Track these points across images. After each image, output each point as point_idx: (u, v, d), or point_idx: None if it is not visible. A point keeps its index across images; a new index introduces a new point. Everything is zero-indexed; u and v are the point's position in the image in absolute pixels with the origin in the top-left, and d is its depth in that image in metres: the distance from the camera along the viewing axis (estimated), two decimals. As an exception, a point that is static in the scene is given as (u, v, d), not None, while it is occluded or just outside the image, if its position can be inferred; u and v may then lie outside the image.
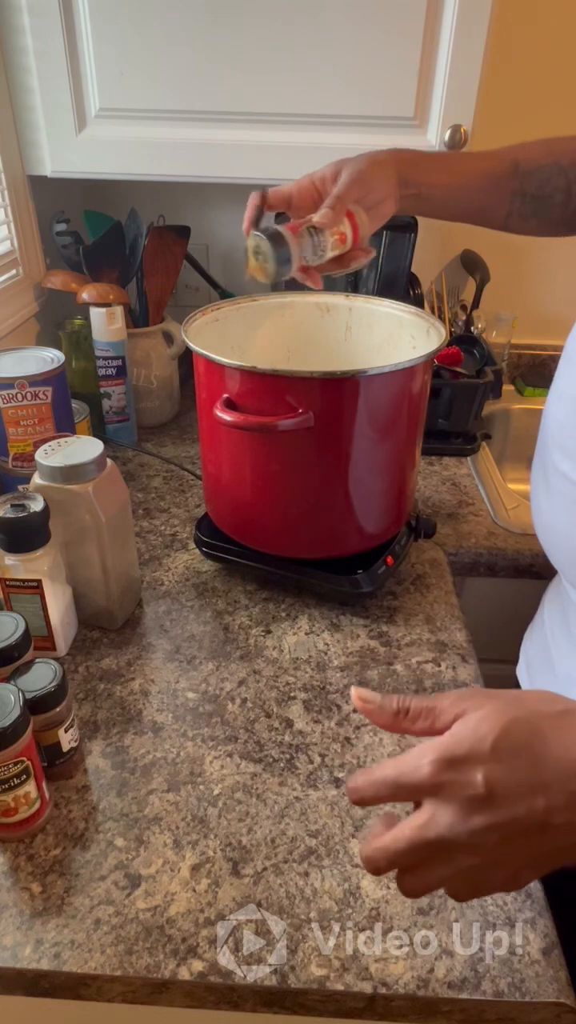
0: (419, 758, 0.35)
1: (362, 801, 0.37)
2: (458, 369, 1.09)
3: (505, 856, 0.35)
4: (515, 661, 0.79)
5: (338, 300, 0.84)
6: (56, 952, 0.47)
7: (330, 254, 0.65)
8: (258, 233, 0.63)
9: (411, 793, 0.36)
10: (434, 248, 1.27)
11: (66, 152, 1.00)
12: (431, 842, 0.35)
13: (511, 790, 0.34)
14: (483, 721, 0.35)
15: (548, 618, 0.73)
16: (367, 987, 0.45)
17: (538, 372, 1.36)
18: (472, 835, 0.34)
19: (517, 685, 0.77)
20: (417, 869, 0.36)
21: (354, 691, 0.39)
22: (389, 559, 0.77)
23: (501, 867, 0.36)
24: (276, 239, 0.62)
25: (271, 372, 0.65)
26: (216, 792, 0.57)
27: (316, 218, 0.63)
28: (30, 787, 0.52)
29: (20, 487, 0.71)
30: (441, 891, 0.38)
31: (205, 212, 1.27)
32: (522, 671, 0.77)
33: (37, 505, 0.64)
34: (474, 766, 0.34)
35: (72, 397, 0.89)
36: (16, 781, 0.51)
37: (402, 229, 1.08)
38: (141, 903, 0.49)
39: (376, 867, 0.37)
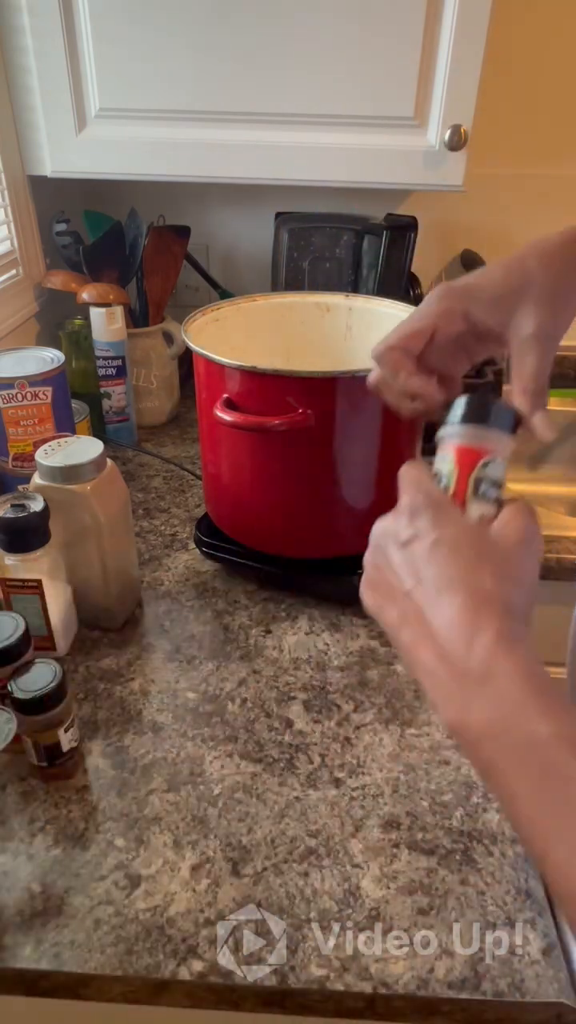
0: (414, 494, 0.42)
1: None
2: (458, 369, 1.09)
3: (370, 577, 0.43)
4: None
5: (338, 300, 0.84)
6: (56, 952, 0.47)
7: None
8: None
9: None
10: (434, 248, 1.27)
11: (66, 152, 1.00)
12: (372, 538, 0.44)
13: (408, 561, 0.40)
14: (454, 523, 0.41)
15: None
16: (367, 987, 0.45)
17: (538, 372, 1.36)
18: (373, 548, 0.43)
19: None
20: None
21: None
22: (389, 559, 0.77)
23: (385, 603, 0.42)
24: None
25: (271, 372, 0.65)
26: (216, 792, 0.57)
27: (535, 425, 0.46)
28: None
29: (20, 487, 0.71)
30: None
31: (205, 212, 1.27)
32: None
33: (37, 505, 0.64)
34: (416, 526, 0.40)
35: (72, 397, 0.89)
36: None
37: (402, 229, 1.08)
38: (141, 903, 0.49)
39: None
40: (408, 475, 0.44)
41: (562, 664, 0.57)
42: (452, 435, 0.43)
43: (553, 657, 0.74)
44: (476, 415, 0.43)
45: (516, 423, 0.44)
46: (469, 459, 0.42)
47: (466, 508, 0.42)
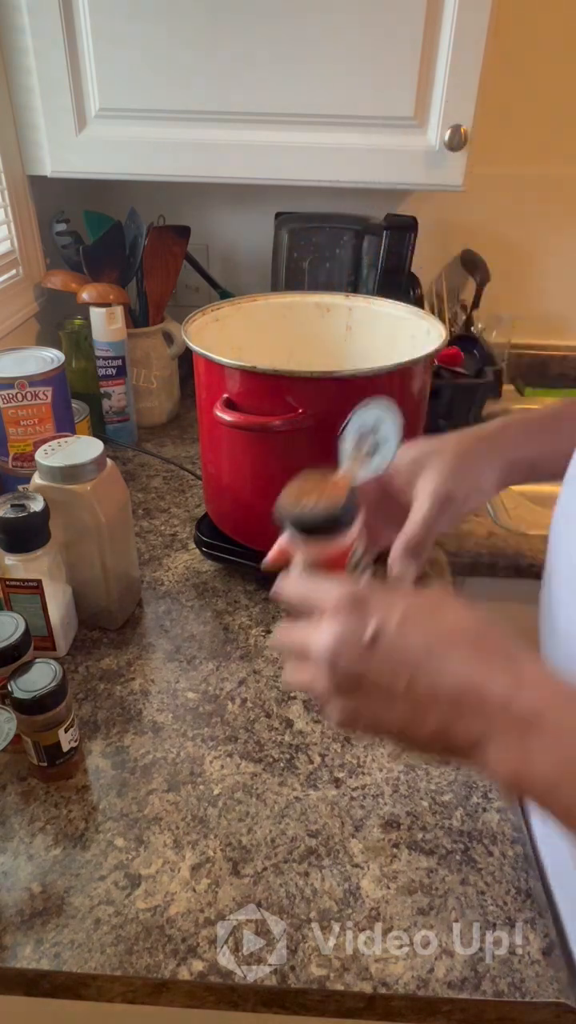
0: (336, 587, 0.39)
1: (277, 596, 0.42)
2: (458, 369, 1.09)
3: (351, 702, 0.38)
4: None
5: (338, 300, 0.84)
6: (56, 952, 0.47)
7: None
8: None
9: (312, 606, 0.40)
10: (434, 248, 1.27)
11: (66, 152, 1.00)
12: (304, 649, 0.39)
13: (389, 655, 0.36)
14: (404, 596, 0.39)
15: None
16: (367, 987, 0.45)
17: (538, 372, 1.36)
18: (338, 668, 0.37)
19: None
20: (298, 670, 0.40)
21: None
22: (389, 559, 0.77)
23: (345, 707, 0.38)
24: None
25: (271, 372, 0.65)
26: (216, 792, 0.57)
27: (395, 570, 0.50)
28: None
29: (20, 487, 0.71)
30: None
31: (205, 212, 1.27)
32: None
33: (37, 505, 0.64)
34: (372, 616, 0.37)
35: (72, 397, 0.89)
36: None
37: (402, 229, 1.08)
38: (141, 903, 0.49)
39: (278, 644, 0.41)
40: (298, 589, 0.42)
41: None
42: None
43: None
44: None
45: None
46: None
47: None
